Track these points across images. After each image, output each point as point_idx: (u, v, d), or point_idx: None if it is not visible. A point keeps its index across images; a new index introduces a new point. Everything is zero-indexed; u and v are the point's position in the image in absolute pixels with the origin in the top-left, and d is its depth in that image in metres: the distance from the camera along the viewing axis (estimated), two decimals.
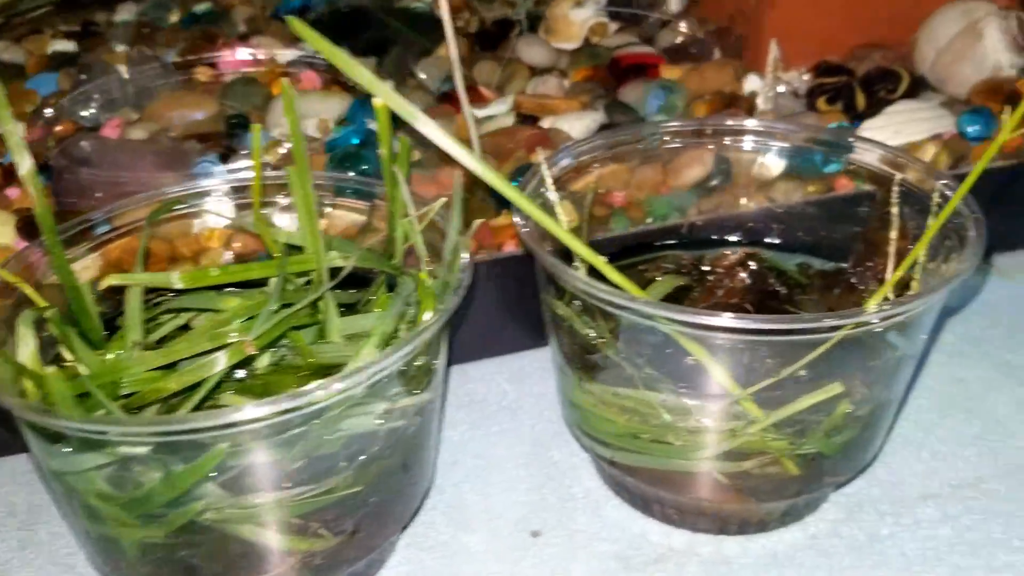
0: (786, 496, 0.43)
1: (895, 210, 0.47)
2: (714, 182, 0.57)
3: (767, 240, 0.54)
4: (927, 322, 0.42)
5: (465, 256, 0.41)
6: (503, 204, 0.56)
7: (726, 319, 0.36)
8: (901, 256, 0.47)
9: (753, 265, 0.51)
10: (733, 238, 0.54)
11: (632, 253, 0.54)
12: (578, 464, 0.49)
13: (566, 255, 0.43)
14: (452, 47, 0.52)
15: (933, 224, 0.39)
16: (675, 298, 0.50)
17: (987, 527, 0.45)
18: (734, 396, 0.40)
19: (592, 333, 0.42)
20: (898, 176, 0.47)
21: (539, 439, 0.51)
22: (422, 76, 0.68)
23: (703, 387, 0.40)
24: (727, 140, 0.54)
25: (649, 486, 0.44)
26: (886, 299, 0.37)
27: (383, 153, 0.41)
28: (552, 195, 0.47)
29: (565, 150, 0.51)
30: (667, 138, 0.54)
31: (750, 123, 0.57)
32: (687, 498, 0.44)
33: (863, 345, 0.40)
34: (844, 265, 0.51)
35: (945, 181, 0.45)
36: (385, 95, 0.38)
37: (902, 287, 0.45)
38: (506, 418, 0.53)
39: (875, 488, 0.47)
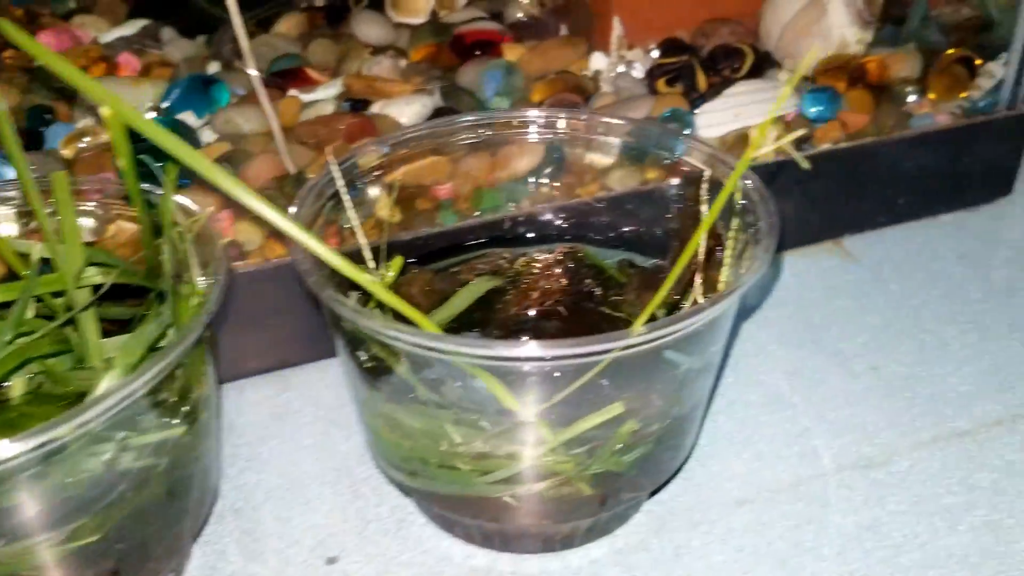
0: (583, 516, 0.41)
1: (703, 208, 0.45)
2: (546, 172, 0.55)
3: (591, 236, 0.52)
4: (717, 334, 0.40)
5: (222, 266, 0.38)
6: None
7: (469, 346, 0.34)
8: (710, 255, 0.45)
9: (571, 264, 0.49)
10: (556, 234, 0.52)
11: (454, 252, 0.52)
12: (387, 481, 0.47)
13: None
14: (237, 22, 0.49)
15: (703, 223, 0.36)
16: (488, 301, 0.48)
17: (799, 535, 0.43)
18: (520, 419, 0.37)
19: (375, 350, 0.40)
20: (707, 172, 0.45)
21: (350, 454, 0.49)
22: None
23: (489, 409, 0.38)
24: (559, 129, 0.52)
25: (444, 510, 0.42)
26: (653, 317, 0.35)
27: (121, 166, 0.38)
28: (346, 197, 0.44)
29: (379, 142, 0.48)
30: (494, 127, 0.51)
31: (582, 111, 0.54)
32: (483, 521, 0.42)
33: (650, 362, 0.38)
34: (663, 263, 0.49)
35: (750, 180, 0.43)
36: (114, 104, 0.35)
37: (712, 288, 0.44)
38: (319, 431, 0.50)
39: (691, 495, 0.46)
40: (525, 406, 0.37)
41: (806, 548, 0.43)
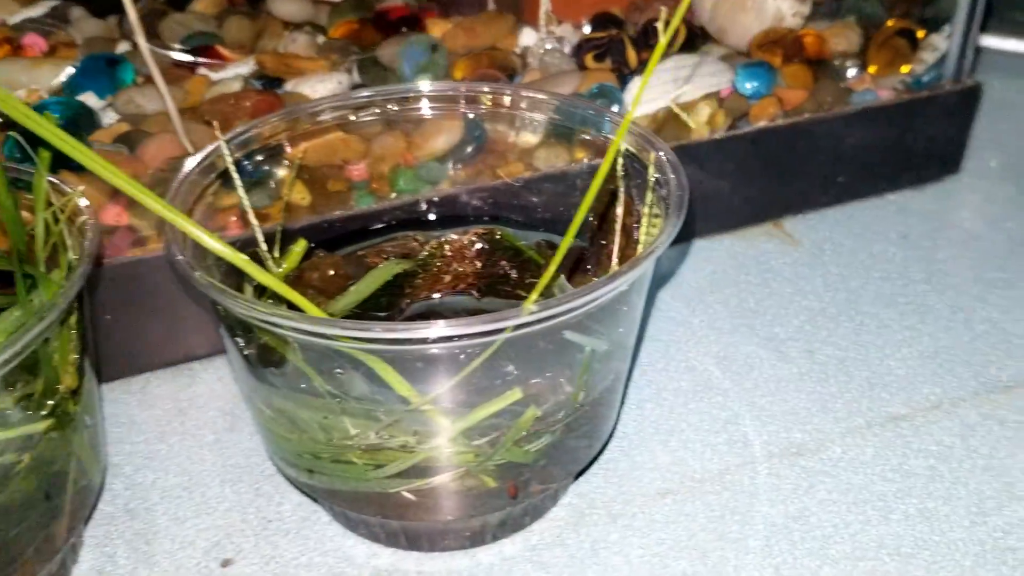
0: (491, 510, 0.38)
1: (621, 185, 0.42)
2: (467, 151, 0.52)
3: (511, 217, 0.49)
4: (624, 313, 0.37)
5: (90, 247, 0.35)
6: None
7: (343, 328, 0.31)
8: (628, 234, 0.43)
9: (486, 245, 0.46)
10: (474, 215, 0.49)
11: (366, 236, 0.49)
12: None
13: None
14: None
15: (587, 197, 0.34)
16: (397, 286, 0.45)
17: (723, 526, 0.41)
18: (412, 407, 0.35)
19: (255, 337, 0.37)
20: (623, 147, 0.43)
21: (255, 450, 0.46)
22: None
23: (381, 398, 0.35)
24: (481, 106, 0.49)
25: (344, 508, 0.39)
26: (542, 297, 0.32)
27: None
28: (235, 174, 0.41)
29: (279, 114, 0.45)
30: (408, 101, 0.49)
31: (505, 86, 0.52)
32: (385, 519, 0.39)
33: (550, 344, 0.35)
34: (584, 243, 0.46)
35: (663, 152, 0.40)
36: None
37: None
38: (223, 427, 0.47)
39: (612, 486, 0.43)
40: (418, 393, 0.34)
41: (731, 540, 0.40)
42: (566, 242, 0.33)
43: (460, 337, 0.32)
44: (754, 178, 0.59)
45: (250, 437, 0.46)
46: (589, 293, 0.32)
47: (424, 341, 0.32)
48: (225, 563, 0.40)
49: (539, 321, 0.32)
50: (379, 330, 0.31)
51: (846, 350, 0.50)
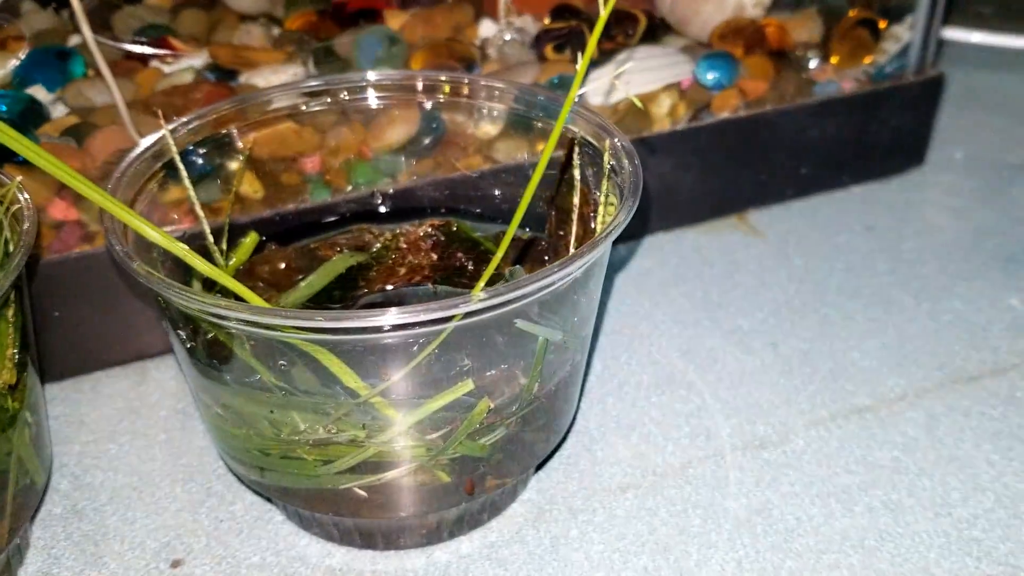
0: (445, 506, 0.38)
1: (576, 173, 0.41)
2: (425, 143, 0.51)
3: (468, 208, 0.48)
4: (577, 302, 0.36)
5: (26, 237, 0.34)
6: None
7: (282, 317, 0.30)
8: (585, 223, 0.42)
9: (442, 237, 0.45)
10: (430, 207, 0.48)
11: (320, 229, 0.48)
12: None
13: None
14: None
15: (532, 179, 0.33)
16: (351, 279, 0.44)
17: (685, 520, 0.40)
18: (363, 399, 0.34)
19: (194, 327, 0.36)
20: (579, 134, 0.42)
21: (207, 449, 0.45)
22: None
23: (328, 390, 0.34)
24: (439, 96, 0.48)
25: (294, 506, 0.38)
26: (489, 285, 0.31)
27: None
28: (179, 164, 0.40)
29: (227, 102, 0.44)
30: (363, 90, 0.48)
31: (462, 75, 0.51)
32: (337, 516, 0.38)
33: (501, 333, 0.34)
34: (541, 234, 0.45)
35: (617, 139, 0.39)
36: None
37: None
38: (175, 426, 0.46)
39: (573, 481, 0.42)
40: (367, 385, 0.33)
41: (693, 534, 0.40)
42: (513, 224, 0.32)
43: (408, 326, 0.31)
44: (717, 170, 0.58)
45: (202, 436, 0.45)
46: (540, 279, 0.31)
47: (370, 330, 0.31)
48: (175, 563, 0.39)
49: (489, 308, 0.31)
50: (322, 319, 0.30)
51: (810, 342, 0.50)
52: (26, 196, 0.37)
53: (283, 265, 0.44)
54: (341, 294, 0.43)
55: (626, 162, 0.38)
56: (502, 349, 0.35)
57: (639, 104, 0.30)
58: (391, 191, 0.49)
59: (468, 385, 0.33)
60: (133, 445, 0.45)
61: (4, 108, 0.50)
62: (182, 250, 0.34)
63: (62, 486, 0.43)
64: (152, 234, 0.34)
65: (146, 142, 0.41)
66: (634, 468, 0.43)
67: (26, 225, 0.35)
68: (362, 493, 0.36)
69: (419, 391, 0.34)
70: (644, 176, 0.41)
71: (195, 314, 0.33)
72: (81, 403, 0.47)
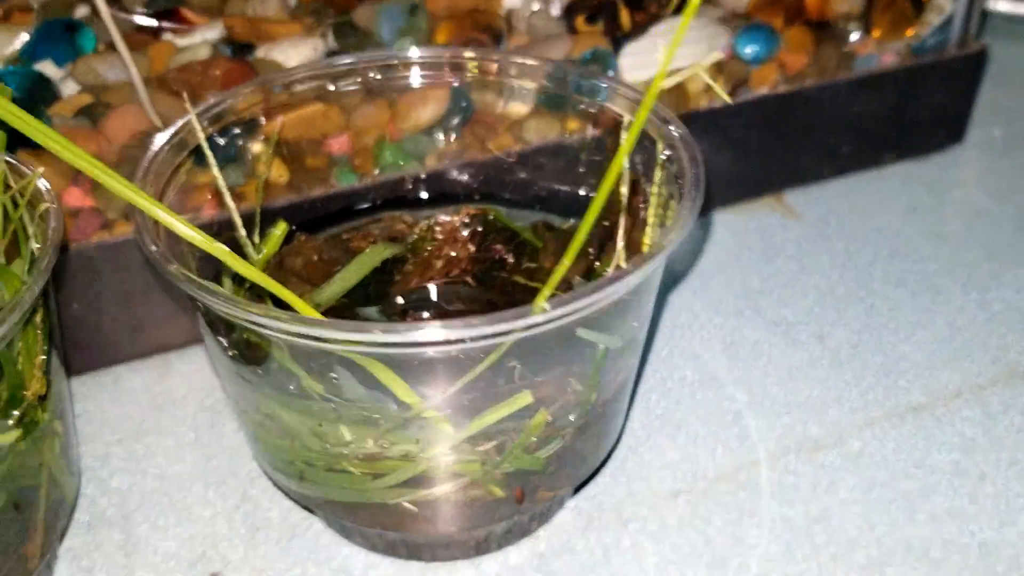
0: (496, 520, 0.36)
1: (624, 161, 0.39)
2: (453, 123, 0.49)
3: (503, 195, 0.46)
4: (640, 306, 0.35)
5: (53, 236, 0.32)
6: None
7: (339, 329, 0.28)
8: (635, 214, 0.40)
9: (479, 227, 0.43)
10: (464, 193, 0.46)
11: (349, 216, 0.46)
12: None
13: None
14: None
15: (605, 181, 0.31)
16: (386, 272, 0.42)
17: (742, 529, 0.39)
18: (412, 413, 0.32)
19: (241, 336, 0.34)
20: (626, 119, 0.40)
21: (239, 449, 0.43)
22: None
23: (378, 402, 0.32)
24: (467, 73, 0.46)
25: (337, 517, 0.37)
26: (555, 295, 0.29)
27: None
28: (207, 151, 0.38)
29: (253, 84, 0.42)
30: (392, 69, 0.45)
31: (492, 52, 0.48)
32: (383, 530, 0.36)
33: (562, 341, 0.32)
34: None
35: (672, 126, 0.37)
36: None
37: (637, 251, 0.39)
38: (203, 424, 0.44)
39: (621, 486, 0.41)
40: (419, 397, 0.31)
41: (750, 545, 0.38)
42: (580, 236, 0.30)
43: (469, 339, 0.29)
44: (754, 149, 0.56)
45: (233, 434, 0.43)
46: (606, 287, 0.29)
47: (429, 344, 0.29)
48: None
49: (553, 320, 0.29)
50: (379, 332, 0.28)
51: (858, 334, 0.48)
52: (49, 187, 0.35)
53: (315, 257, 0.42)
54: (376, 289, 0.41)
55: (684, 153, 0.36)
56: (558, 357, 0.33)
57: (708, 79, 0.28)
58: (422, 176, 0.47)
59: (527, 397, 0.31)
60: (160, 445, 0.43)
61: (14, 86, 0.48)
62: (223, 252, 0.31)
63: (88, 491, 0.41)
64: (190, 234, 0.31)
65: (171, 129, 0.38)
66: (684, 472, 0.41)
67: (53, 224, 0.32)
68: (412, 508, 0.34)
69: (470, 402, 0.32)
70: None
71: (241, 324, 0.31)
72: (103, 400, 0.45)
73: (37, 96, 0.48)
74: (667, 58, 0.29)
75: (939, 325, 0.48)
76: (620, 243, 0.40)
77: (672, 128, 0.38)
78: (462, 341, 0.29)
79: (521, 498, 0.36)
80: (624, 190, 0.39)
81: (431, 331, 0.28)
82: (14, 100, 0.46)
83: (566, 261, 0.31)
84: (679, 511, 0.40)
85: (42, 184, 0.35)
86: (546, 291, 0.29)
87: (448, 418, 0.32)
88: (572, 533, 0.39)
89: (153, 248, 0.32)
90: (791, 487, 0.40)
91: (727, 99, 0.33)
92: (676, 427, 0.43)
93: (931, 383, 0.45)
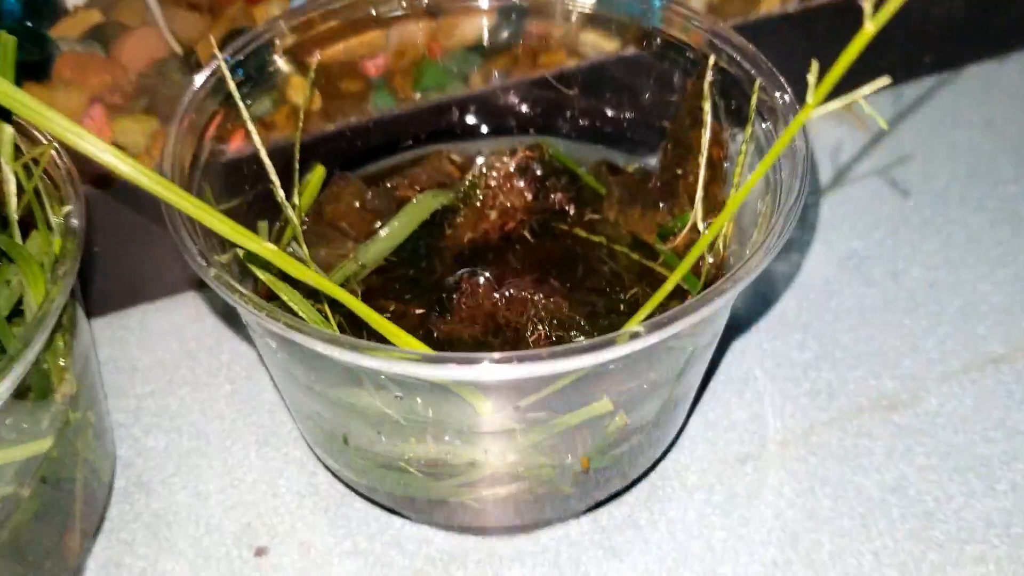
0: (563, 517, 0.34)
1: (707, 107, 0.35)
2: (502, 37, 0.44)
3: (560, 126, 0.42)
4: (728, 307, 0.32)
5: (77, 216, 0.29)
6: None
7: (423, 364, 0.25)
8: (714, 168, 0.36)
9: (537, 169, 0.39)
10: (516, 123, 0.42)
11: (389, 151, 0.42)
12: None
13: None
14: None
15: (739, 159, 0.27)
16: (436, 224, 0.38)
17: (814, 500, 0.37)
18: (489, 428, 0.29)
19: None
20: (712, 60, 0.35)
21: (279, 403, 0.41)
22: None
23: (450, 415, 0.30)
24: None
25: (396, 509, 0.35)
26: (655, 313, 0.26)
27: None
28: (240, 104, 0.34)
29: (288, 15, 0.38)
30: None
31: None
32: (445, 523, 0.34)
33: (654, 350, 0.29)
34: (651, 166, 0.40)
35: (769, 77, 0.33)
36: None
37: (714, 209, 0.35)
38: (240, 374, 0.42)
39: (685, 451, 0.39)
40: (492, 408, 0.29)
41: (823, 519, 0.36)
42: (689, 259, 0.26)
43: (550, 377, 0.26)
44: (827, 57, 0.51)
45: (272, 387, 0.41)
46: (703, 307, 0.26)
47: (519, 379, 0.26)
48: (259, 552, 0.36)
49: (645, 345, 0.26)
50: (488, 363, 0.25)
51: (935, 270, 0.45)
52: (68, 164, 0.31)
53: (356, 203, 0.38)
54: (427, 244, 0.38)
55: (780, 111, 0.32)
56: (643, 363, 0.30)
57: (867, 107, 0.24)
58: (469, 102, 0.42)
59: (607, 405, 0.29)
60: (195, 399, 0.41)
61: (13, 1, 0.43)
62: (278, 256, 0.28)
63: (122, 452, 0.39)
64: (247, 242, 0.27)
65: (199, 79, 0.34)
66: (751, 434, 0.39)
67: (75, 222, 0.29)
68: (475, 504, 0.32)
69: (548, 407, 0.30)
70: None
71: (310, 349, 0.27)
72: (130, 344, 0.43)
73: (40, 12, 0.43)
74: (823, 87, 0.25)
75: (1020, 262, 0.45)
76: (699, 195, 0.36)
77: (756, 72, 0.34)
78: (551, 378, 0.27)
79: (588, 466, 0.34)
80: (705, 138, 0.35)
81: (539, 365, 0.25)
82: (12, 13, 0.41)
83: (654, 300, 0.27)
84: (747, 479, 0.38)
85: (62, 163, 0.31)
86: (642, 314, 0.26)
87: (518, 424, 0.29)
88: (634, 505, 0.37)
89: (194, 250, 0.29)
90: (865, 452, 0.38)
91: (884, 125, 0.29)
92: (742, 382, 0.41)
93: (1012, 330, 0.42)
